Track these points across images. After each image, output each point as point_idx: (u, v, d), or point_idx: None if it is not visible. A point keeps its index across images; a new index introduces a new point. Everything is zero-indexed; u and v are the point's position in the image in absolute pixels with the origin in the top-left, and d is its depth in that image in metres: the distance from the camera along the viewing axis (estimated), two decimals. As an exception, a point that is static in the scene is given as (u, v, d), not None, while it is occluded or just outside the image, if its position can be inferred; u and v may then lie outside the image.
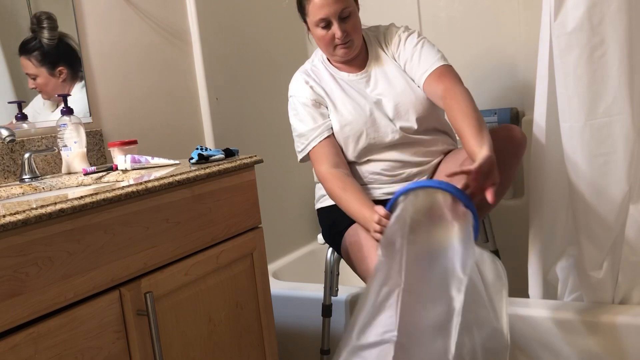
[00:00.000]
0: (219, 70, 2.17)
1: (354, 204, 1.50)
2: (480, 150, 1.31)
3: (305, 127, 1.64)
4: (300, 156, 1.68)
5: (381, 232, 1.32)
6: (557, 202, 1.67)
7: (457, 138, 1.74)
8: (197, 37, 2.08)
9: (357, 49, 1.63)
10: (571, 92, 1.51)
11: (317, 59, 1.72)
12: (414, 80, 1.62)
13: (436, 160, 1.67)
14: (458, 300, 1.10)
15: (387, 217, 1.33)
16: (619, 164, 1.50)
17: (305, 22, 1.63)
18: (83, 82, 1.72)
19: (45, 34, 1.60)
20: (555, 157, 1.63)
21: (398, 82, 1.62)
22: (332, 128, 1.63)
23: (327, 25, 1.57)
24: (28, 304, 0.95)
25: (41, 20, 1.59)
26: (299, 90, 1.66)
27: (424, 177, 1.65)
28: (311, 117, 1.63)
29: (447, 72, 1.57)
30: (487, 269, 1.21)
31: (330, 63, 1.70)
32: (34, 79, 1.60)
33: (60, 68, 1.65)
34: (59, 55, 1.65)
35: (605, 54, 1.46)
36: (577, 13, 1.46)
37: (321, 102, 1.64)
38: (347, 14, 1.56)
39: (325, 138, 1.62)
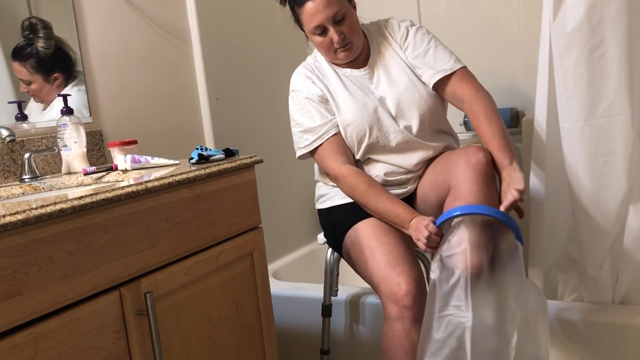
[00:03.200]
0: (219, 70, 2.17)
1: (384, 202, 1.49)
2: (512, 167, 1.41)
3: (312, 123, 1.60)
4: (303, 151, 1.63)
5: (428, 246, 1.36)
6: (557, 202, 1.67)
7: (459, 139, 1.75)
8: (197, 37, 2.08)
9: (358, 49, 1.61)
10: (571, 92, 1.51)
11: (320, 54, 1.69)
12: (420, 78, 1.61)
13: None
14: (512, 334, 1.18)
15: (438, 235, 1.35)
16: (618, 164, 1.50)
17: (303, 31, 1.62)
18: (76, 81, 1.70)
19: (41, 42, 1.58)
20: (556, 157, 1.63)
21: (400, 80, 1.60)
22: (338, 126, 1.61)
23: (324, 31, 1.55)
24: (28, 304, 0.95)
25: (37, 29, 1.57)
26: (302, 86, 1.64)
27: (414, 185, 1.64)
28: (318, 112, 1.61)
29: (470, 75, 1.60)
30: (531, 298, 1.25)
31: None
32: (28, 84, 1.59)
33: (55, 74, 1.64)
34: (55, 62, 1.64)
35: (604, 54, 1.46)
36: (576, 13, 1.46)
37: (327, 99, 1.62)
38: (341, 17, 1.54)
39: (335, 134, 1.59)
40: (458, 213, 1.30)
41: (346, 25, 1.55)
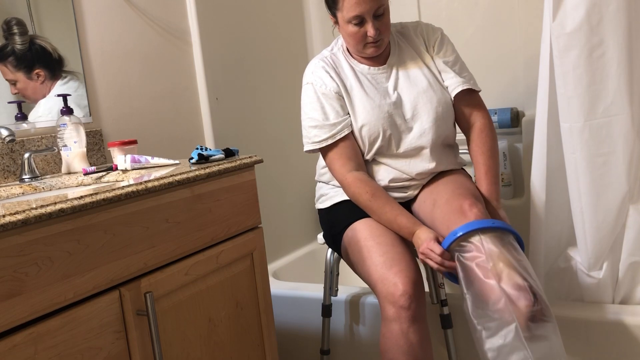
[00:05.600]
0: (219, 70, 2.17)
1: (387, 214, 1.51)
2: (498, 204, 1.57)
3: (325, 120, 1.57)
4: (312, 147, 1.60)
5: (439, 263, 1.39)
6: (557, 202, 1.67)
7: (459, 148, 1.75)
8: (197, 37, 2.08)
9: (385, 46, 1.60)
10: (570, 93, 1.51)
11: (337, 48, 1.68)
12: (443, 82, 1.62)
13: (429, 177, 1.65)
14: None
15: (447, 258, 1.39)
16: (618, 164, 1.50)
17: (335, 16, 1.58)
18: (66, 79, 1.69)
19: (17, 39, 1.58)
20: (556, 157, 1.63)
21: (420, 81, 1.60)
22: (352, 125, 1.59)
23: (361, 22, 1.52)
24: (28, 304, 0.95)
25: (11, 26, 1.58)
26: (318, 79, 1.60)
27: (416, 191, 1.64)
28: (333, 109, 1.58)
29: (483, 103, 1.67)
30: None
31: (351, 55, 1.65)
32: (14, 84, 1.58)
33: (37, 71, 1.63)
34: (33, 58, 1.63)
35: (604, 54, 1.46)
36: (576, 13, 1.46)
37: (342, 95, 1.59)
38: (381, 12, 1.52)
39: (346, 135, 1.57)
40: (461, 233, 1.35)
41: (384, 21, 1.54)
